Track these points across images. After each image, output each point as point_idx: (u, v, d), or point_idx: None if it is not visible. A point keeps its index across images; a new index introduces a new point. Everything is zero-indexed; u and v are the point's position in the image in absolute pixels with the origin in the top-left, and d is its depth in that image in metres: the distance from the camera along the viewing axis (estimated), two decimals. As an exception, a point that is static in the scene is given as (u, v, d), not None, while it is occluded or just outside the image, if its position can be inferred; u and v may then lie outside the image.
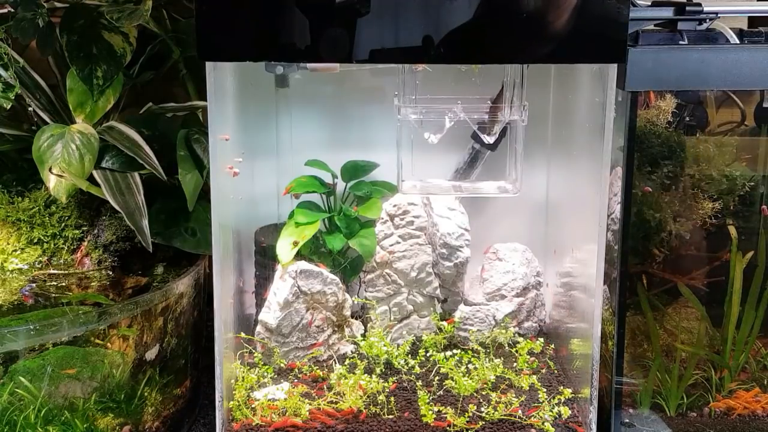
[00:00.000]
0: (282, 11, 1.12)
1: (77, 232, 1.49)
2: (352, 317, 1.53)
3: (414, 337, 1.53)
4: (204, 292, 1.48)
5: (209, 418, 1.48)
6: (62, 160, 1.37)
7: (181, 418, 1.44)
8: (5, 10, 1.43)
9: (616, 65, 1.17)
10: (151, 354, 1.32)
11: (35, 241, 1.48)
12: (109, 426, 1.26)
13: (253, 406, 1.32)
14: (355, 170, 1.55)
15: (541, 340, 1.47)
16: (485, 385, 1.36)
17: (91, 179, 1.42)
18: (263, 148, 1.56)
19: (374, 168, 1.57)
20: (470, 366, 1.37)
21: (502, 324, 1.49)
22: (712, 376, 1.38)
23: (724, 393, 1.38)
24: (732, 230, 1.36)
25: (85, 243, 1.48)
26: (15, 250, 1.47)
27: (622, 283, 1.28)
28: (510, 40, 1.14)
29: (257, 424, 1.28)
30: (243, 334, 1.42)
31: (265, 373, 1.39)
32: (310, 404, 1.31)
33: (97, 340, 1.24)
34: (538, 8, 1.11)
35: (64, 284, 1.41)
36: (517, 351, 1.44)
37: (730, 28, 1.26)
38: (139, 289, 1.38)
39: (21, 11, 1.38)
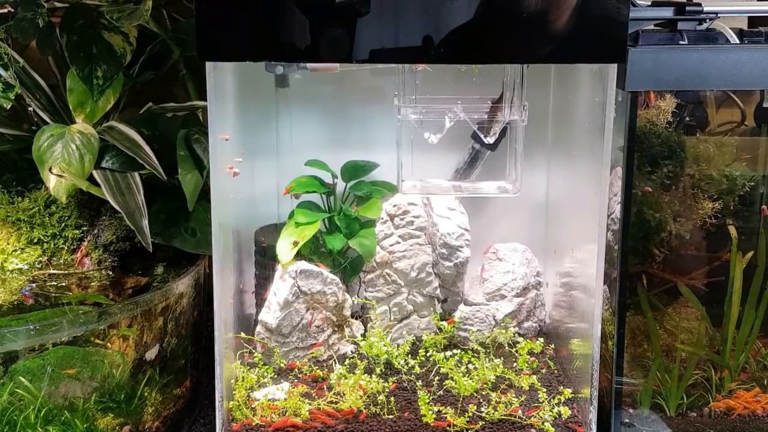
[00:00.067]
0: (282, 11, 1.12)
1: (77, 232, 1.49)
2: (352, 317, 1.53)
3: (414, 337, 1.53)
4: (204, 292, 1.48)
5: (209, 418, 1.48)
6: (62, 160, 1.37)
7: (181, 418, 1.44)
8: (5, 10, 1.43)
9: (616, 65, 1.17)
10: (151, 354, 1.32)
11: (35, 241, 1.48)
12: (109, 426, 1.26)
13: (253, 406, 1.32)
14: (355, 170, 1.55)
15: (541, 340, 1.47)
16: (485, 385, 1.36)
17: (91, 179, 1.42)
18: (263, 148, 1.56)
19: (374, 168, 1.57)
20: (470, 366, 1.37)
21: (502, 324, 1.49)
22: (712, 376, 1.38)
23: (724, 393, 1.38)
24: (732, 230, 1.36)
25: (85, 243, 1.48)
26: (15, 250, 1.47)
27: (622, 283, 1.28)
28: (510, 40, 1.14)
29: (257, 424, 1.28)
30: (243, 334, 1.42)
31: (265, 373, 1.39)
32: (310, 404, 1.31)
33: (97, 340, 1.24)
34: (538, 8, 1.11)
35: (64, 284, 1.41)
36: (517, 351, 1.44)
37: (730, 28, 1.26)
38: (139, 289, 1.38)
39: (21, 11, 1.38)
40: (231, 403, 1.31)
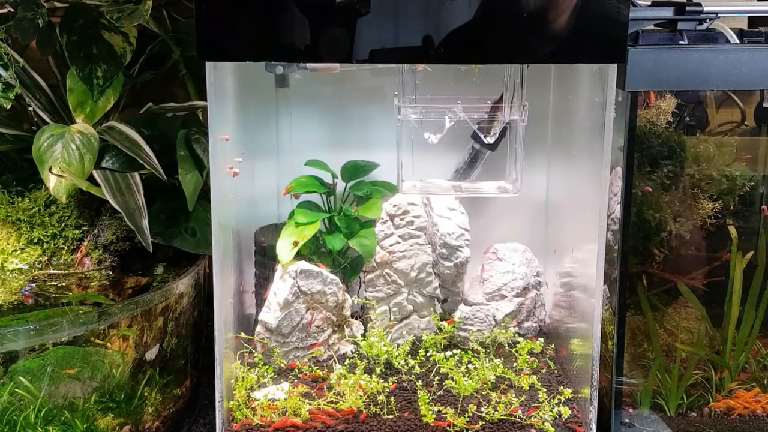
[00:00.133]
0: (282, 11, 1.12)
1: (77, 232, 1.49)
2: (352, 317, 1.53)
3: (414, 337, 1.53)
4: (204, 292, 1.48)
5: (209, 418, 1.48)
6: (62, 160, 1.37)
7: (181, 418, 1.44)
8: (5, 10, 1.43)
9: (616, 65, 1.17)
10: (151, 354, 1.32)
11: (35, 241, 1.48)
12: (109, 426, 1.26)
13: (253, 406, 1.32)
14: (355, 170, 1.55)
15: (541, 340, 1.47)
16: (485, 385, 1.36)
17: (91, 179, 1.42)
18: (263, 148, 1.56)
19: (374, 168, 1.57)
20: (470, 366, 1.37)
21: (502, 324, 1.49)
22: (712, 376, 1.38)
23: (724, 393, 1.38)
24: (732, 230, 1.36)
25: (85, 243, 1.48)
26: (15, 250, 1.47)
27: (622, 283, 1.28)
28: (510, 40, 1.14)
29: (257, 424, 1.28)
30: (243, 334, 1.42)
31: (265, 373, 1.39)
32: (310, 404, 1.31)
33: (97, 340, 1.24)
34: (538, 8, 1.11)
35: (64, 284, 1.41)
36: (517, 351, 1.44)
37: (730, 28, 1.26)
38: (139, 289, 1.38)
39: (21, 11, 1.38)
40: (231, 403, 1.31)
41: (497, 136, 1.43)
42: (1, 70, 1.35)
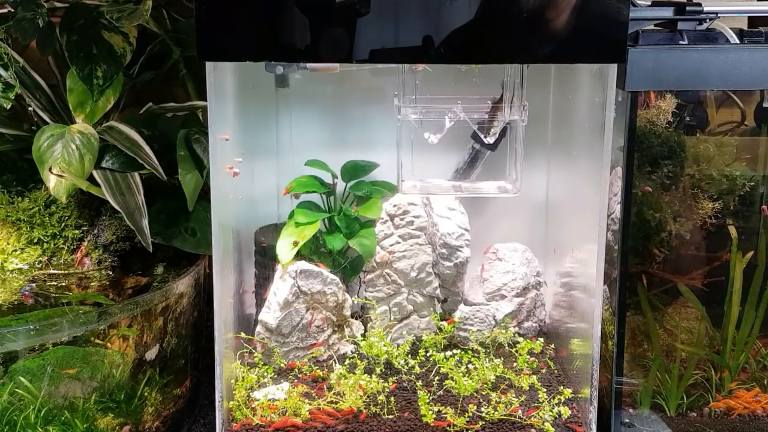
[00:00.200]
0: (282, 11, 1.12)
1: (77, 232, 1.49)
2: (352, 317, 1.53)
3: (414, 337, 1.53)
4: (204, 292, 1.48)
5: (209, 418, 1.48)
6: (62, 160, 1.37)
7: (181, 418, 1.44)
8: (5, 10, 1.43)
9: (616, 65, 1.17)
10: (151, 354, 1.32)
11: (35, 241, 1.48)
12: (109, 426, 1.26)
13: (253, 406, 1.32)
14: (355, 170, 1.55)
15: (541, 340, 1.47)
16: (485, 385, 1.36)
17: (91, 179, 1.42)
18: (263, 148, 1.56)
19: (374, 168, 1.57)
20: (470, 366, 1.37)
21: (502, 324, 1.49)
22: (712, 376, 1.38)
23: (724, 393, 1.38)
24: (732, 230, 1.36)
25: (85, 243, 1.48)
26: (15, 250, 1.47)
27: (622, 283, 1.28)
28: (510, 40, 1.14)
29: (257, 424, 1.28)
30: (243, 334, 1.42)
31: (265, 373, 1.39)
32: (310, 404, 1.31)
33: (97, 340, 1.24)
34: (538, 8, 1.11)
35: (64, 284, 1.41)
36: (517, 351, 1.44)
37: (730, 28, 1.26)
38: (139, 289, 1.38)
39: (21, 11, 1.38)
40: (231, 403, 1.31)
41: (497, 136, 1.43)
42: (1, 70, 1.35)
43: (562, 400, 1.31)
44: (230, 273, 1.34)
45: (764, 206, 1.37)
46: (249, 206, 1.53)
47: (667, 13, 1.24)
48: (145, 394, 1.31)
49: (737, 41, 1.25)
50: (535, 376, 1.38)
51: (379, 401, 1.32)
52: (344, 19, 1.12)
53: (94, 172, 1.42)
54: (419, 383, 1.37)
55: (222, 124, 1.24)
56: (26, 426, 1.17)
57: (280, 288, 1.42)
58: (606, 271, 1.26)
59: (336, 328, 1.49)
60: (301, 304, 1.43)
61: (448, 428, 1.27)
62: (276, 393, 1.35)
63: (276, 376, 1.41)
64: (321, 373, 1.42)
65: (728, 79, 1.19)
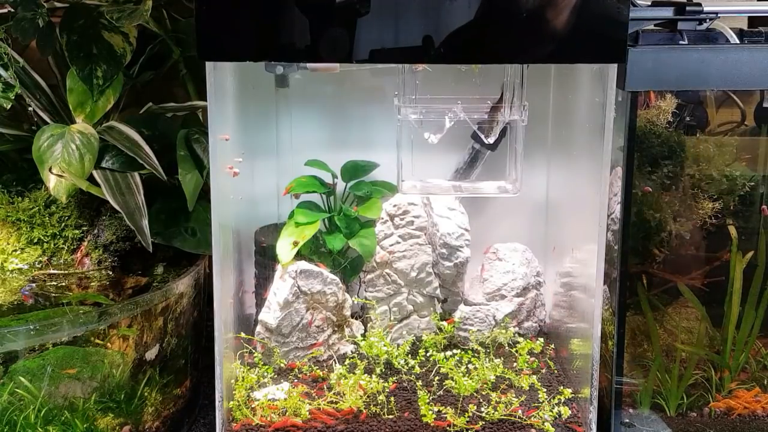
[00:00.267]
0: (282, 11, 1.12)
1: (77, 232, 1.49)
2: (352, 317, 1.53)
3: (414, 337, 1.53)
4: (204, 292, 1.48)
5: (209, 418, 1.48)
6: (62, 160, 1.37)
7: (181, 418, 1.44)
8: (5, 10, 1.43)
9: (616, 65, 1.17)
10: (151, 354, 1.32)
11: (35, 241, 1.48)
12: (109, 426, 1.26)
13: (253, 406, 1.32)
14: (355, 170, 1.55)
15: (541, 340, 1.47)
16: (485, 385, 1.36)
17: (91, 179, 1.42)
18: (263, 148, 1.56)
19: (374, 168, 1.57)
20: (470, 366, 1.37)
21: (502, 324, 1.49)
22: (712, 376, 1.38)
23: (724, 393, 1.38)
24: (732, 230, 1.36)
25: (85, 243, 1.48)
26: (15, 250, 1.47)
27: (622, 283, 1.28)
28: (510, 40, 1.14)
29: (257, 424, 1.28)
30: (243, 334, 1.42)
31: (265, 373, 1.39)
32: (310, 404, 1.31)
33: (97, 340, 1.24)
34: (538, 8, 1.11)
35: (64, 284, 1.41)
36: (517, 351, 1.44)
37: (730, 28, 1.26)
38: (139, 289, 1.38)
39: (21, 11, 1.38)
40: (231, 403, 1.31)
41: (497, 136, 1.43)
42: (1, 70, 1.35)
43: (562, 400, 1.31)
44: (230, 273, 1.34)
45: (764, 206, 1.37)
46: (249, 206, 1.53)
47: (667, 13, 1.24)
48: (145, 394, 1.31)
49: (737, 41, 1.25)
50: (535, 376, 1.38)
51: (379, 401, 1.32)
52: (344, 19, 1.12)
53: (94, 172, 1.42)
54: (419, 383, 1.37)
55: (222, 124, 1.24)
56: (26, 426, 1.17)
57: (280, 288, 1.42)
58: (606, 271, 1.26)
59: (336, 328, 1.49)
60: (301, 304, 1.43)
61: (448, 428, 1.27)
62: (276, 393, 1.35)
63: (276, 376, 1.41)
64: (321, 373, 1.42)
65: (728, 79, 1.19)
